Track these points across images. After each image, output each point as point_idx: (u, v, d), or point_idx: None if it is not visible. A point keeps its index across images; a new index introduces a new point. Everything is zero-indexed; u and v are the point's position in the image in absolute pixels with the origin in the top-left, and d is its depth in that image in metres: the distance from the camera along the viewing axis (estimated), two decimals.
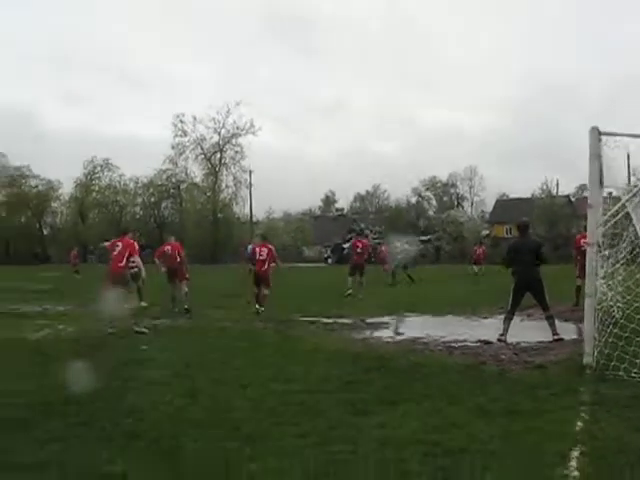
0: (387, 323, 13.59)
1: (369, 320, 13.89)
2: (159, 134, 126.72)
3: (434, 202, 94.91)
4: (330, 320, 13.86)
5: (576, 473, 4.57)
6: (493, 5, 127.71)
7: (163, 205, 78.81)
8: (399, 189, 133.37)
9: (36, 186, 79.66)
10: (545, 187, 74.13)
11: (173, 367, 8.54)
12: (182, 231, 64.47)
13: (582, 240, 13.28)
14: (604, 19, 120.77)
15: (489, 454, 4.95)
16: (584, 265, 8.44)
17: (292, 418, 6.06)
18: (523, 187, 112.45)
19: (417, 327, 12.79)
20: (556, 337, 10.54)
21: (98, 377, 7.85)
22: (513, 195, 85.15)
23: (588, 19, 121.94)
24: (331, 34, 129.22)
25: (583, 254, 9.55)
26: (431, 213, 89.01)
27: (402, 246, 28.32)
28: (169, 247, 16.92)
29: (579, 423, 5.82)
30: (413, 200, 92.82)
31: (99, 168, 78.40)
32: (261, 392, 7.09)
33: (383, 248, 34.29)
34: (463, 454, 4.97)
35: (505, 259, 11.53)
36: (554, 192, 73.57)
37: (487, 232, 74.44)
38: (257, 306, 15.05)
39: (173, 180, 75.81)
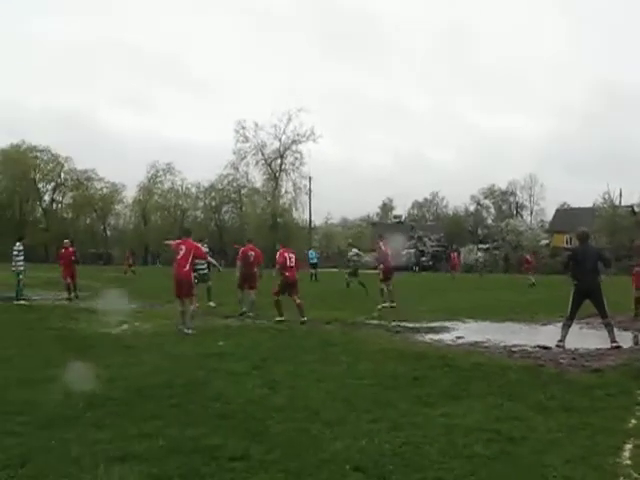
0: (448, 327, 14.01)
1: (430, 325, 14.32)
2: (220, 140, 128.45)
3: (493, 210, 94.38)
4: (394, 323, 14.36)
5: (628, 462, 5.05)
6: (562, 7, 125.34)
7: (224, 209, 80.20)
8: (458, 197, 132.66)
9: (101, 189, 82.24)
10: (607, 197, 72.83)
11: (251, 360, 9.23)
12: (242, 235, 65.65)
13: None
14: None
15: (548, 443, 5.47)
16: None
17: (365, 407, 6.67)
18: (585, 197, 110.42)
19: (477, 332, 13.19)
20: (614, 344, 10.85)
21: (183, 367, 8.67)
22: (574, 205, 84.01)
23: None
24: (387, 40, 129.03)
25: None
26: (490, 221, 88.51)
27: (354, 255, 28.33)
28: (252, 253, 16.45)
29: (633, 421, 6.28)
30: (472, 208, 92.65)
31: (161, 172, 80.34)
32: (335, 385, 7.71)
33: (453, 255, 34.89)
34: (524, 441, 5.51)
35: (565, 264, 11.81)
36: (617, 202, 72.32)
37: (547, 242, 73.67)
38: (302, 318, 14.55)
39: (234, 185, 77.13)
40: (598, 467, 4.89)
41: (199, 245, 13.30)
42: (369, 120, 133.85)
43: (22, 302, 18.19)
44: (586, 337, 12.42)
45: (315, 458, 5.00)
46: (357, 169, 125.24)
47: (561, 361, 9.65)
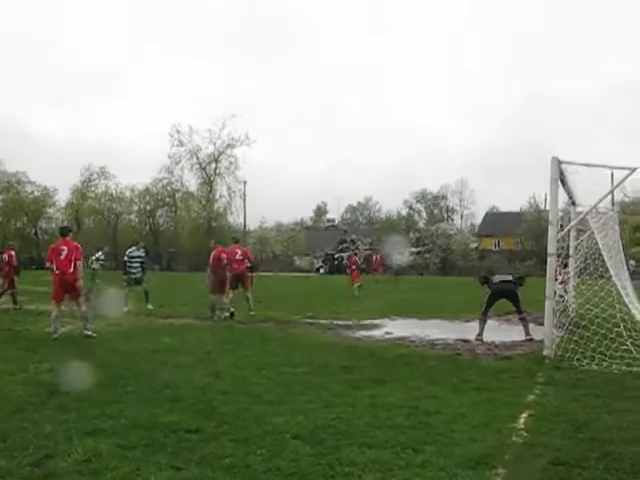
0: (378, 325, 14.97)
1: (362, 322, 15.28)
2: (154, 144, 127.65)
3: (424, 214, 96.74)
4: (326, 321, 15.28)
5: (522, 426, 6.06)
6: (478, 14, 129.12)
7: (158, 213, 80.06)
8: (391, 201, 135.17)
9: (32, 192, 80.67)
10: (533, 201, 75.81)
11: (196, 354, 9.99)
12: (176, 239, 65.92)
13: None
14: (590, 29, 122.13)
15: (458, 415, 6.44)
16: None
17: (301, 391, 7.52)
18: (514, 202, 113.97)
19: (405, 328, 14.17)
20: (528, 337, 12.02)
21: (132, 361, 9.36)
22: (503, 209, 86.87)
23: (572, 31, 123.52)
24: (309, 46, 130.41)
25: None
26: (421, 225, 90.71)
27: None
28: (239, 251, 16.67)
29: (531, 396, 7.34)
30: (404, 212, 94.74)
31: (95, 175, 79.57)
32: (274, 373, 8.56)
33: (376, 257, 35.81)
34: (438, 415, 6.45)
35: (482, 282, 12.88)
36: (542, 206, 75.27)
37: (475, 245, 76.07)
38: (250, 311, 16.04)
39: (168, 189, 77.19)
40: (497, 430, 5.87)
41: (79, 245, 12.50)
42: (300, 124, 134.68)
43: None
44: (503, 332, 13.57)
45: (259, 430, 5.81)
46: (290, 173, 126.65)
47: (477, 351, 10.74)
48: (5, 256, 19.20)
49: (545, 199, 74.01)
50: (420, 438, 5.63)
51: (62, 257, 12.07)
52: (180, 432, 5.70)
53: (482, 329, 12.21)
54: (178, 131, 73.02)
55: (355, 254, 36.14)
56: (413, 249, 75.08)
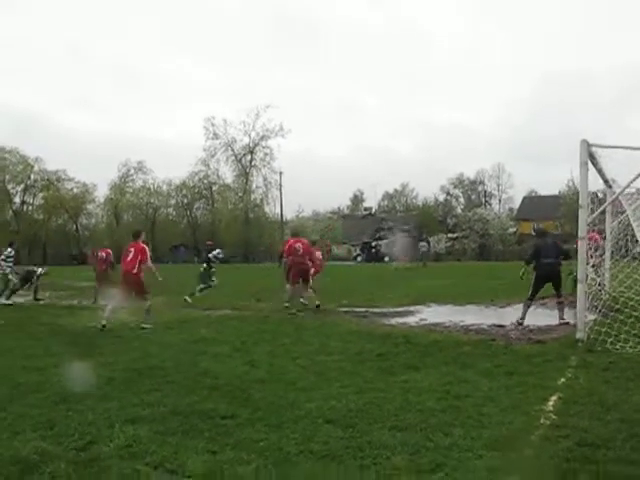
0: (412, 312, 15.08)
1: (397, 310, 15.41)
2: (190, 137, 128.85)
3: (462, 200, 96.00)
4: (362, 309, 15.44)
5: (551, 409, 6.15)
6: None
7: (196, 206, 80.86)
8: (428, 188, 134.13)
9: (72, 189, 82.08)
10: (572, 184, 74.75)
11: (232, 344, 10.25)
12: (215, 231, 66.59)
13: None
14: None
15: (488, 398, 6.55)
16: None
17: (335, 377, 7.72)
18: (552, 185, 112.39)
19: (439, 315, 14.28)
20: (562, 321, 12.01)
21: (171, 352, 9.64)
22: (542, 193, 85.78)
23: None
24: (344, 38, 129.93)
25: None
26: (459, 211, 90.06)
27: None
28: (299, 244, 16.14)
29: (562, 379, 7.40)
30: (441, 198, 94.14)
31: (133, 171, 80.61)
32: (308, 361, 8.75)
33: None
34: (468, 398, 6.58)
35: (530, 258, 12.89)
36: None
37: (514, 229, 75.39)
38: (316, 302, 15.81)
39: (205, 182, 77.91)
40: (526, 413, 5.98)
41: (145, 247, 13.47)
42: (332, 116, 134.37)
43: (6, 302, 18.80)
44: (539, 316, 13.52)
45: (292, 415, 6.01)
46: (325, 163, 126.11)
47: (511, 336, 10.78)
48: (103, 254, 20.00)
49: None
50: (449, 421, 5.77)
51: (128, 258, 13.12)
52: (217, 418, 5.93)
53: (525, 313, 12.23)
54: (213, 124, 73.79)
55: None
56: (450, 235, 74.73)
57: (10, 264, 19.41)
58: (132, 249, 13.29)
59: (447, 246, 69.57)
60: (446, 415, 5.97)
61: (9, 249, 19.81)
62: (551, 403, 6.35)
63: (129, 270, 13.07)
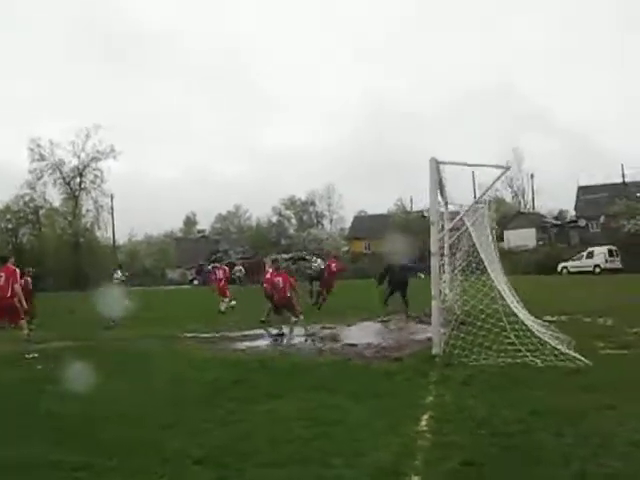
0: (262, 335, 14.72)
1: (245, 333, 14.97)
2: (12, 159, 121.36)
3: (294, 221, 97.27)
4: (208, 335, 14.87)
5: (424, 428, 6.02)
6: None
7: (21, 231, 75.86)
8: (261, 209, 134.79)
9: None
10: (400, 203, 78.16)
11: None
12: (42, 257, 62.73)
13: None
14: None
15: (360, 423, 6.30)
16: None
17: (195, 409, 7.17)
18: (379, 205, 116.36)
19: (289, 337, 14.05)
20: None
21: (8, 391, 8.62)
22: (371, 212, 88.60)
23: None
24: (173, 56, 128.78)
25: None
26: (292, 231, 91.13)
27: None
28: (279, 279, 15.29)
29: (429, 397, 7.35)
30: (274, 219, 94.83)
31: None
32: (164, 393, 8.13)
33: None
34: (339, 424, 6.29)
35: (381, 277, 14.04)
36: (408, 208, 77.74)
37: (347, 248, 77.32)
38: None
39: (31, 205, 73.26)
40: (401, 434, 5.80)
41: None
42: (160, 137, 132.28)
43: None
44: (386, 333, 13.72)
45: (158, 457, 5.43)
46: (156, 185, 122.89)
47: (366, 355, 10.71)
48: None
49: (411, 200, 76.89)
50: (323, 449, 5.46)
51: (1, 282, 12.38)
52: (68, 470, 5.21)
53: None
54: (38, 145, 69.62)
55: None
56: (285, 255, 75.32)
57: None
58: (2, 273, 12.42)
59: (284, 267, 69.86)
60: (319, 442, 5.67)
61: None
62: (424, 423, 6.24)
63: (4, 295, 12.23)
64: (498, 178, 9.36)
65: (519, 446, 5.32)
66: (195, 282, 70.25)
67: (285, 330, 14.66)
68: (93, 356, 11.74)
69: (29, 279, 18.97)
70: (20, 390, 8.97)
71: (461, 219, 10.60)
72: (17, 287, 12.48)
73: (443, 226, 9.84)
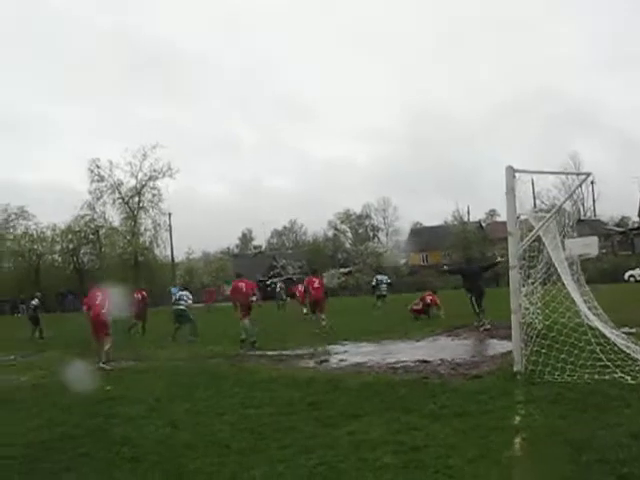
0: (328, 351, 14.44)
1: (311, 350, 14.70)
2: (73, 181, 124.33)
3: (349, 234, 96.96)
4: (275, 352, 14.64)
5: (519, 453, 5.62)
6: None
7: (82, 251, 77.43)
8: (316, 223, 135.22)
9: None
10: (457, 214, 77.25)
11: (145, 403, 9.17)
12: (103, 276, 63.67)
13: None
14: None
15: (448, 447, 5.94)
16: None
17: (272, 434, 6.90)
18: (435, 216, 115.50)
19: (357, 353, 13.72)
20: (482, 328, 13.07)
21: (78, 416, 8.52)
22: (427, 224, 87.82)
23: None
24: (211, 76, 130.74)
25: None
26: (348, 245, 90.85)
27: None
28: (243, 284, 17.47)
29: (517, 418, 6.91)
30: (330, 234, 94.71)
31: (13, 216, 76.56)
32: (237, 417, 7.88)
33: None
34: (427, 449, 5.95)
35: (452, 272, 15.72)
36: (465, 218, 76.80)
37: (404, 260, 76.68)
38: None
39: (91, 225, 74.66)
40: (496, 462, 5.40)
41: None
42: (208, 155, 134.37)
43: None
44: (458, 348, 13.28)
45: None
46: (211, 201, 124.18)
47: (442, 372, 10.31)
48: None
49: (468, 211, 75.89)
50: (418, 478, 5.13)
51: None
52: None
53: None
54: (97, 166, 70.96)
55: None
56: (342, 270, 74.96)
57: None
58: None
59: (340, 281, 69.49)
60: (410, 472, 5.33)
61: None
62: (517, 447, 5.83)
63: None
64: (579, 185, 8.99)
65: (637, 475, 4.85)
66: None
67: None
68: (161, 377, 11.68)
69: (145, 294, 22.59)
70: (89, 411, 8.89)
71: (539, 229, 10.12)
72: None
73: (522, 237, 9.34)
